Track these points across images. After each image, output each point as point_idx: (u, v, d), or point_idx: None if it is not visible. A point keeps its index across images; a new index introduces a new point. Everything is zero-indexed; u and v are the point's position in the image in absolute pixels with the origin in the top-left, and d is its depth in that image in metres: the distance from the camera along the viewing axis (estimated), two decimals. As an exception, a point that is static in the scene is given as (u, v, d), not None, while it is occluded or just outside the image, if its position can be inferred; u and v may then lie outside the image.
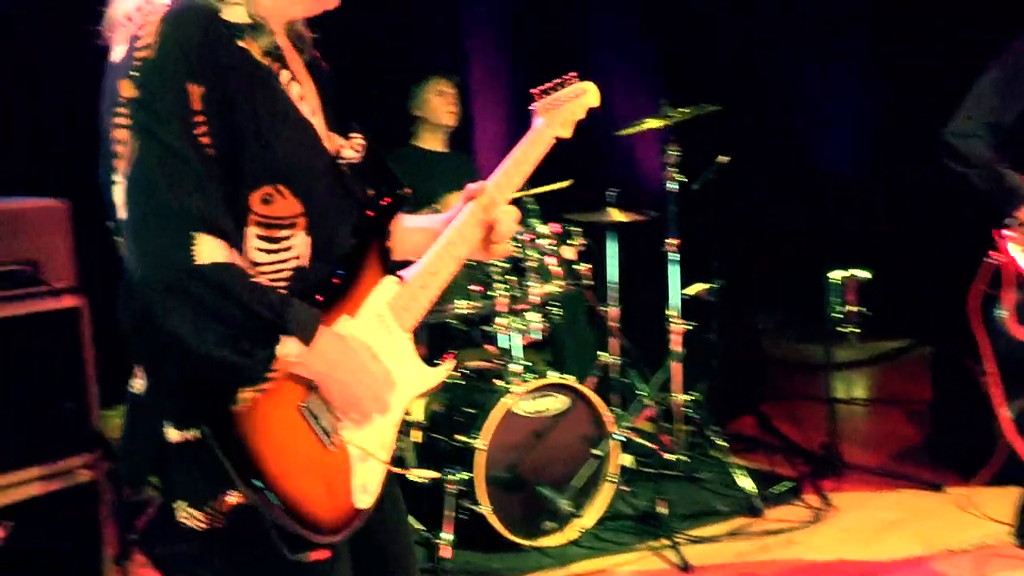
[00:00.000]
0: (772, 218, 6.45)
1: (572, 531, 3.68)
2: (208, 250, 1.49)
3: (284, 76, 1.66)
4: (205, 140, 1.51)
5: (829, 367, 4.68)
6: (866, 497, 4.06)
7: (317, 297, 1.66)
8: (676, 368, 4.23)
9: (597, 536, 3.72)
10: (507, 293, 3.72)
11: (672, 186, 4.18)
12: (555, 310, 4.03)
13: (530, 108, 2.10)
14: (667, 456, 4.24)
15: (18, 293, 2.90)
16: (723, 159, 4.34)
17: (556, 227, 3.92)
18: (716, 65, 6.52)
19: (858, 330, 6.83)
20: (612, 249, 4.39)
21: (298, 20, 1.75)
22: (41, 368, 2.93)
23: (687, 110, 4.11)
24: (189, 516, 1.60)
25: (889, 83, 6.45)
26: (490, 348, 3.95)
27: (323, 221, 1.67)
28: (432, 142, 4.64)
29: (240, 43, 1.59)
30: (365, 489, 1.72)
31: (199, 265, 1.48)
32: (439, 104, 4.57)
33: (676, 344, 4.24)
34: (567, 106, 2.10)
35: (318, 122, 1.72)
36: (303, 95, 1.69)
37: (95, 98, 1.59)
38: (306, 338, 1.57)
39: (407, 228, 1.94)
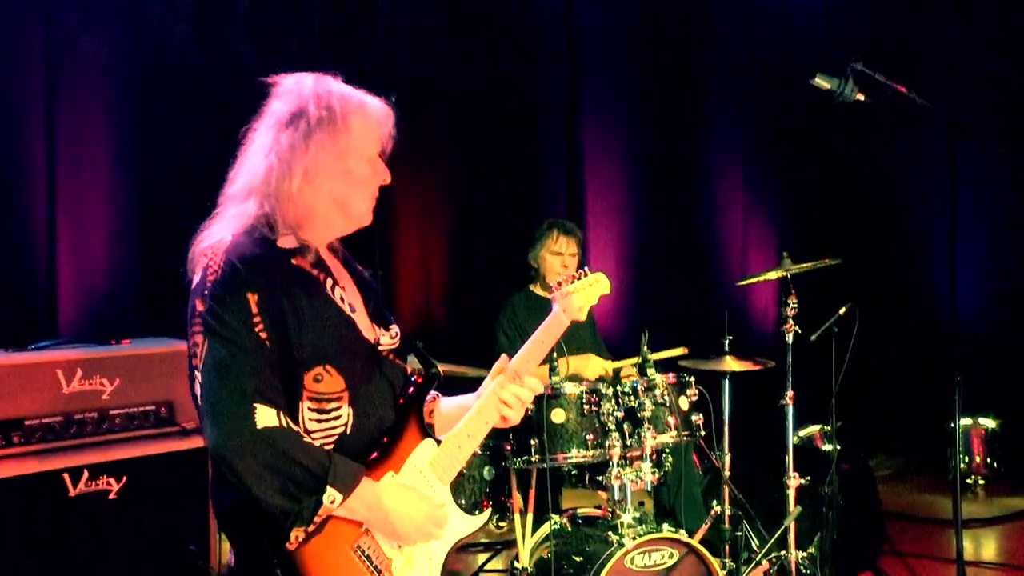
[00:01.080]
0: (895, 365, 6.36)
1: None
2: (264, 418, 1.84)
3: (328, 283, 2.05)
4: (263, 335, 1.87)
5: (957, 523, 4.48)
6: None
7: (371, 456, 2.02)
8: (792, 525, 4.13)
9: None
10: (620, 442, 3.72)
11: (789, 338, 4.16)
12: (668, 459, 4.02)
13: (550, 296, 2.46)
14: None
15: (151, 433, 3.06)
16: (843, 310, 4.33)
17: (671, 377, 3.93)
18: (842, 214, 6.59)
19: (983, 482, 6.58)
20: (727, 398, 4.37)
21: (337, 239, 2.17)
22: (168, 507, 3.06)
23: (807, 264, 4.12)
24: None
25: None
26: (602, 494, 3.94)
27: (364, 395, 2.02)
28: (546, 291, 4.72)
29: (294, 261, 1.99)
30: None
31: (259, 429, 1.82)
32: (552, 264, 4.66)
33: (792, 500, 4.15)
34: (582, 294, 2.46)
35: (359, 316, 2.09)
36: (344, 296, 2.07)
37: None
38: (346, 490, 1.89)
39: (445, 412, 2.31)
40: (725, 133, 6.89)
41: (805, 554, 4.23)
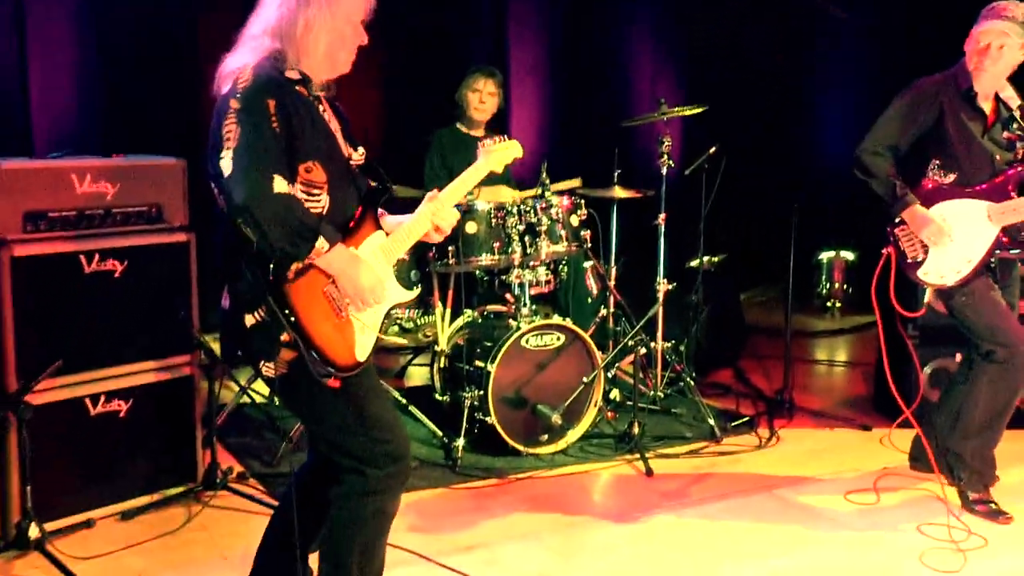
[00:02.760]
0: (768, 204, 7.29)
1: (562, 443, 4.58)
2: (279, 185, 2.53)
3: (320, 108, 2.76)
4: (277, 128, 2.56)
5: (788, 332, 5.47)
6: (807, 433, 4.97)
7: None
8: (658, 319, 5.11)
9: (583, 449, 4.63)
10: (521, 250, 4.59)
11: (664, 171, 5.05)
12: (563, 269, 4.95)
13: (478, 147, 3.20)
14: (647, 392, 5.14)
15: (145, 228, 3.84)
16: (712, 150, 5.22)
17: (566, 200, 4.79)
18: (724, 66, 7.39)
19: (840, 305, 7.70)
20: (614, 220, 5.28)
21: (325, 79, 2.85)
22: (159, 286, 3.86)
23: (678, 109, 4.98)
24: (267, 368, 2.64)
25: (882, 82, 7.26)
26: (509, 297, 4.85)
27: (337, 191, 2.74)
28: (470, 126, 5.51)
29: (297, 88, 2.69)
30: (364, 348, 2.77)
31: (275, 192, 2.52)
32: (472, 100, 5.43)
33: (660, 301, 5.11)
34: (500, 153, 3.21)
35: (339, 137, 2.82)
36: (330, 120, 2.79)
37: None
38: (331, 242, 2.62)
39: (388, 224, 2.97)
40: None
41: (668, 345, 5.23)
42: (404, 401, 4.83)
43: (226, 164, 2.50)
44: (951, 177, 3.95)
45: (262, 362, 2.64)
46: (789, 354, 5.33)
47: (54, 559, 3.38)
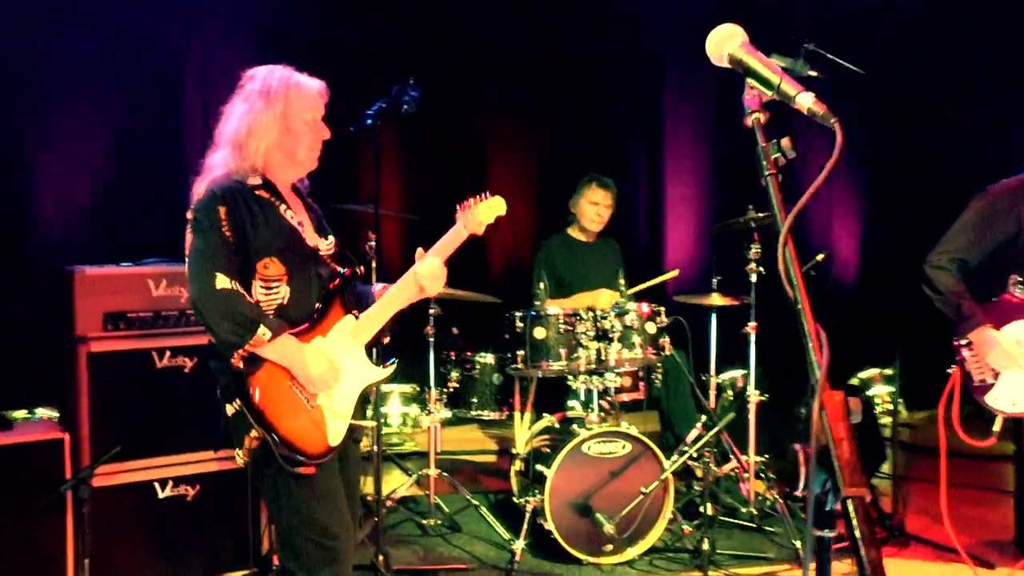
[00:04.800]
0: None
1: (628, 555, 4.49)
2: (221, 281, 2.79)
3: (281, 206, 2.99)
4: (228, 233, 2.82)
5: (894, 449, 5.10)
6: (917, 567, 4.54)
7: (305, 325, 2.96)
8: (750, 431, 4.94)
9: (652, 563, 4.52)
10: (586, 356, 4.61)
11: (753, 277, 4.92)
12: (657, 378, 4.94)
13: (457, 210, 3.27)
14: (740, 507, 4.95)
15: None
16: (820, 256, 5.04)
17: (645, 307, 4.78)
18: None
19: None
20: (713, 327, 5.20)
21: (296, 180, 3.13)
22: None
23: (751, 214, 4.90)
24: (237, 455, 2.91)
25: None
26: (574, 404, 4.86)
27: (299, 281, 2.96)
28: (581, 234, 5.63)
29: (256, 192, 2.94)
30: (336, 434, 2.95)
31: (216, 289, 2.78)
32: (588, 212, 5.55)
33: (752, 413, 4.94)
34: (479, 212, 3.27)
35: (306, 229, 3.03)
36: (294, 216, 3.00)
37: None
38: (275, 332, 2.82)
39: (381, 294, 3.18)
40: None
41: (762, 459, 5.02)
42: (475, 502, 4.91)
43: (187, 267, 2.82)
44: None
45: (236, 450, 2.89)
46: (896, 473, 4.97)
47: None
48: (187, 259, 2.86)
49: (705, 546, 4.43)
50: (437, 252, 3.19)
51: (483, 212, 3.29)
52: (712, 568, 4.34)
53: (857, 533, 1.68)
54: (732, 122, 2.14)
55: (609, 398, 4.79)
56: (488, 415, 5.04)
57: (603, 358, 4.63)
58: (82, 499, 3.76)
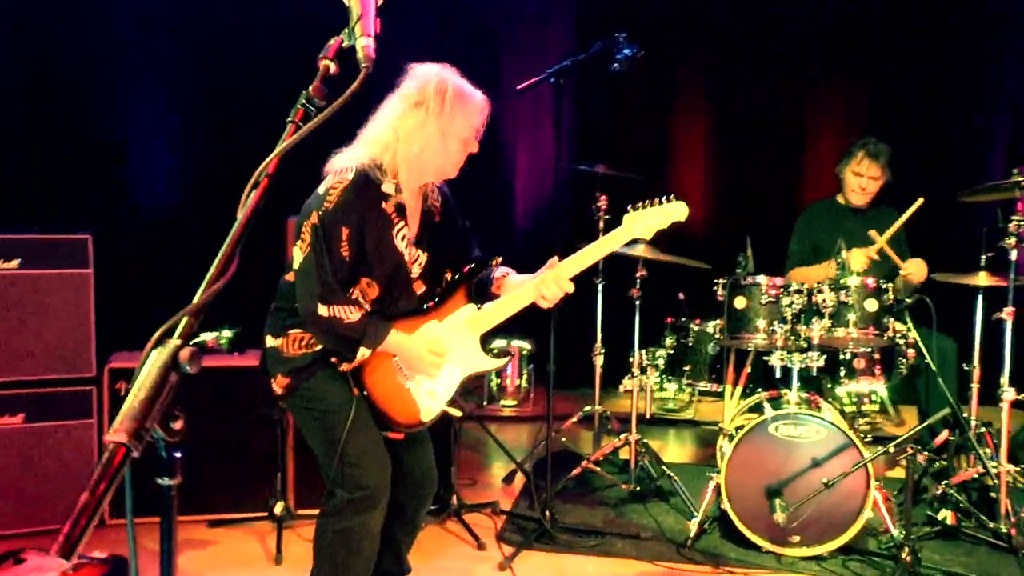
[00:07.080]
0: None
1: (817, 550, 4.07)
2: (322, 310, 2.88)
3: (399, 225, 3.00)
4: (345, 253, 2.89)
5: None
6: None
7: (427, 305, 3.14)
8: (1003, 436, 4.21)
9: (845, 564, 4.06)
10: (784, 330, 4.23)
11: (1013, 255, 4.15)
12: (904, 357, 4.48)
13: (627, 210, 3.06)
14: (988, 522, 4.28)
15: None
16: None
17: (871, 281, 4.27)
18: None
19: None
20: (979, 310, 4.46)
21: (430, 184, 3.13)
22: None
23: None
24: (273, 384, 3.10)
25: None
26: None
27: (389, 297, 3.04)
28: (847, 201, 5.14)
29: (383, 204, 2.96)
30: (429, 412, 3.10)
31: (319, 314, 2.89)
32: (851, 183, 5.07)
33: (1006, 411, 4.21)
34: (655, 217, 3.04)
35: (407, 248, 3.03)
36: (406, 235, 3.01)
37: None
38: (373, 345, 2.94)
39: (512, 282, 3.15)
40: None
41: (1017, 469, 4.25)
42: (670, 473, 4.73)
43: (296, 262, 2.91)
44: None
45: (271, 378, 3.10)
46: None
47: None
48: (296, 259, 2.90)
49: (905, 555, 3.90)
50: (573, 265, 3.04)
51: (656, 218, 3.05)
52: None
53: None
54: None
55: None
56: (702, 385, 4.82)
57: (804, 334, 4.23)
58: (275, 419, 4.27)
